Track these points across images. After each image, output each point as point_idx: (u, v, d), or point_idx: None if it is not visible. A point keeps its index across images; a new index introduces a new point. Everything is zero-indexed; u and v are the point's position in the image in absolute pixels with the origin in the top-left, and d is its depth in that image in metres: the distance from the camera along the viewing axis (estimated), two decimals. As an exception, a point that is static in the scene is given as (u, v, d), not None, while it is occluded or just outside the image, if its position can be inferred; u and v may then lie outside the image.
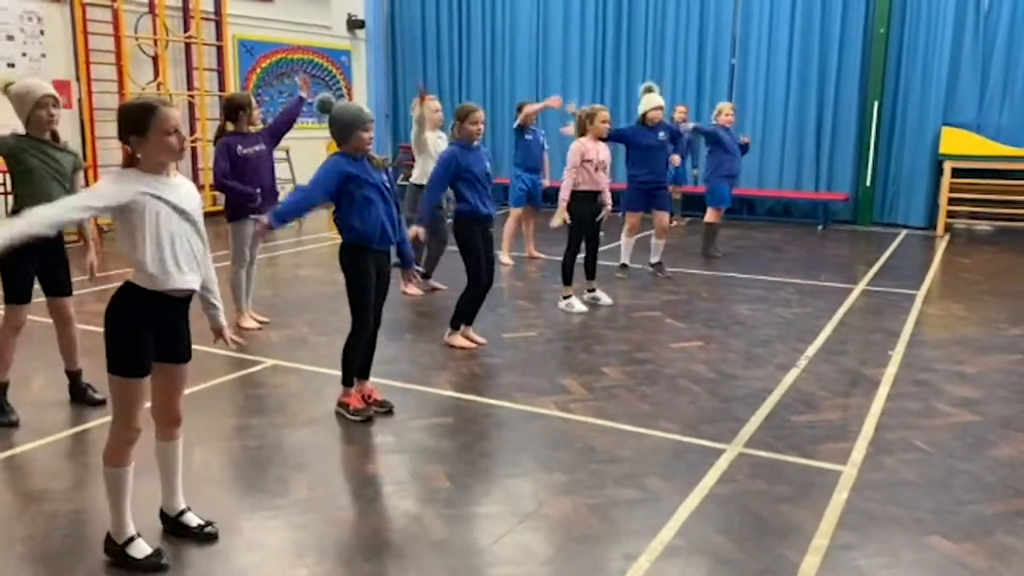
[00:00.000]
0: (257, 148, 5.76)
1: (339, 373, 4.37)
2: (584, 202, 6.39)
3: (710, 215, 8.95)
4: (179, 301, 2.83)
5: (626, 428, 4.15)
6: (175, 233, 2.74)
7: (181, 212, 2.75)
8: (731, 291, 7.32)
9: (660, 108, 7.57)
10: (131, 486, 2.85)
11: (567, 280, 6.56)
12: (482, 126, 5.28)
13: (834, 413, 4.39)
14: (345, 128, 4.08)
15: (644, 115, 7.55)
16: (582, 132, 6.51)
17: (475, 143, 5.29)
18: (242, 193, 5.61)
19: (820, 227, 11.40)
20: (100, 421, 4.12)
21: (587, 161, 6.36)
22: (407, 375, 4.93)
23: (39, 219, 2.53)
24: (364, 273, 4.14)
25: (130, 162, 2.74)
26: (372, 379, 4.47)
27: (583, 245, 6.55)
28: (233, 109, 5.69)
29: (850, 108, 11.50)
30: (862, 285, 7.62)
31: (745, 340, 5.76)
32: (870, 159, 11.50)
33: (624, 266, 7.94)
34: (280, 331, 5.82)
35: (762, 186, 12.12)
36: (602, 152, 6.49)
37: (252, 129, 5.83)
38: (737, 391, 4.72)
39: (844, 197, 11.59)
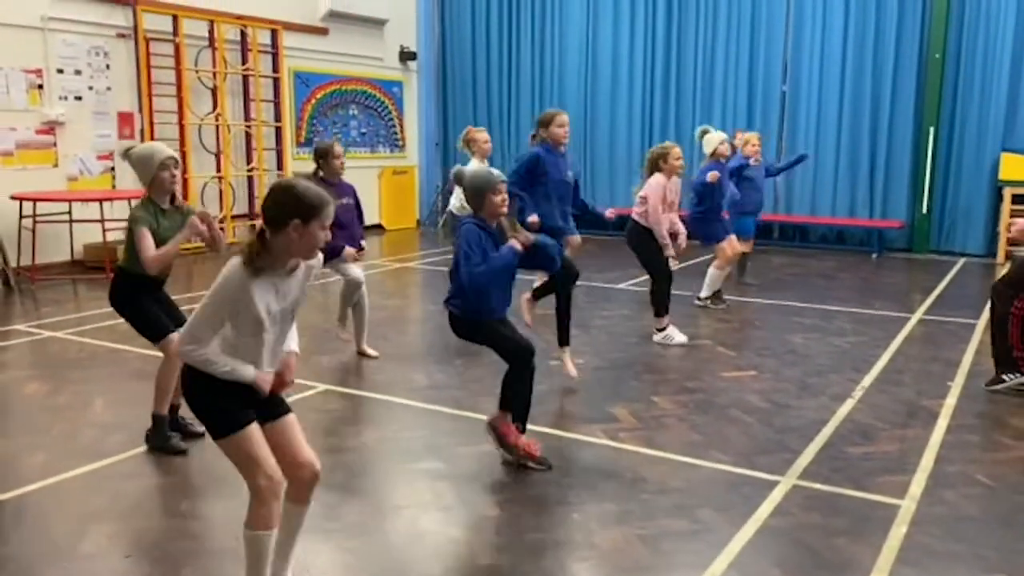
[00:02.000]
0: (344, 201, 5.71)
1: (387, 398, 4.40)
2: (647, 233, 6.30)
3: (741, 246, 8.79)
4: None
5: (677, 458, 4.10)
6: None
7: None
8: (784, 320, 7.22)
9: (726, 142, 7.63)
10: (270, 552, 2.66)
11: (661, 311, 6.42)
12: (568, 129, 5.26)
13: (891, 445, 4.28)
14: (477, 193, 3.84)
15: (714, 152, 7.53)
16: (654, 170, 6.38)
17: (561, 148, 5.23)
18: (332, 250, 5.62)
19: (875, 255, 11.20)
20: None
21: (664, 200, 6.28)
22: (456, 401, 4.95)
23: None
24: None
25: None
26: (432, 406, 4.49)
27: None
28: (318, 155, 5.77)
29: (905, 134, 11.32)
30: (919, 314, 7.46)
31: (799, 370, 5.67)
32: (926, 186, 11.28)
33: (717, 297, 7.74)
34: (333, 356, 5.89)
35: (815, 213, 11.97)
36: (673, 191, 6.41)
37: (337, 179, 5.74)
38: (791, 422, 4.64)
39: (899, 224, 11.37)
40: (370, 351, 5.98)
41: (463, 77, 14.45)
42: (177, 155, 4.18)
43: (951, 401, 4.98)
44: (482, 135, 7.14)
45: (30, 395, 5.08)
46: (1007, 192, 10.50)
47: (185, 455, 4.10)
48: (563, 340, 5.47)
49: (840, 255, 11.30)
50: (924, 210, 11.34)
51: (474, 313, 3.88)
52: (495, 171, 3.94)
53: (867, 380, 5.41)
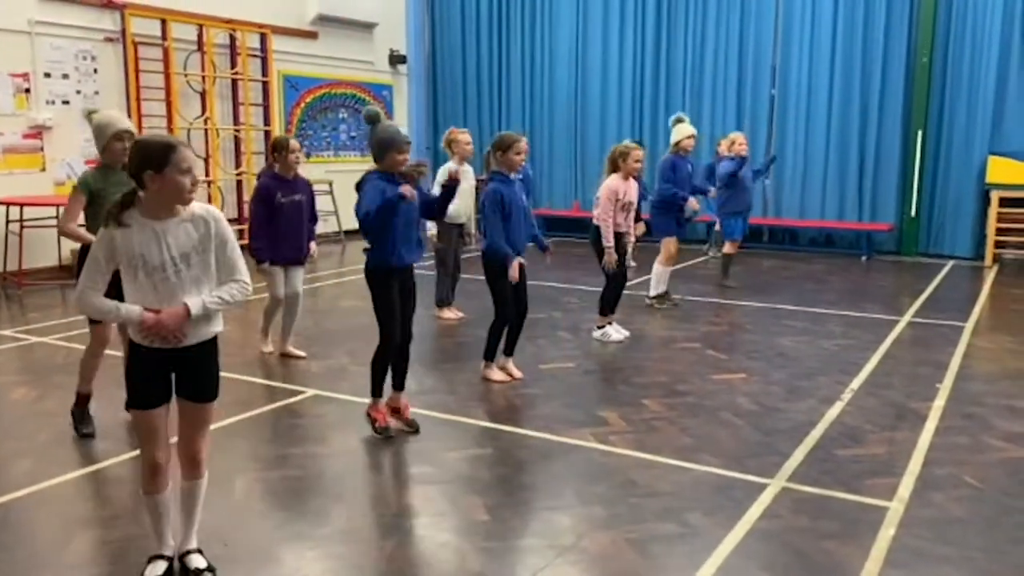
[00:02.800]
0: (296, 197, 5.72)
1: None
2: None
3: (727, 247, 8.92)
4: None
5: (667, 461, 4.10)
6: None
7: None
8: (774, 322, 7.24)
9: (693, 136, 7.62)
10: (165, 513, 2.96)
11: (604, 310, 6.56)
12: (525, 156, 5.26)
13: (880, 447, 4.29)
14: (382, 147, 4.25)
15: (678, 143, 7.58)
16: (613, 169, 6.45)
17: (514, 175, 5.29)
18: (260, 255, 5.68)
19: (864, 258, 11.24)
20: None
21: (616, 201, 6.34)
22: (445, 405, 4.94)
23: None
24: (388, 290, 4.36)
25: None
26: (420, 411, 4.49)
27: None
28: (273, 149, 5.80)
29: (893, 137, 11.37)
30: (908, 317, 7.49)
31: (788, 372, 5.68)
32: (914, 189, 11.34)
33: (664, 296, 7.85)
34: (321, 361, 5.87)
35: (804, 216, 12.01)
36: (631, 192, 6.46)
37: (292, 174, 5.72)
38: (780, 424, 4.65)
39: (888, 227, 11.42)
40: (296, 351, 6.01)
41: (453, 80, 14.45)
42: (135, 129, 4.33)
43: (939, 403, 5.00)
44: (464, 136, 7.08)
45: (17, 401, 5.04)
46: (994, 195, 10.56)
47: (89, 438, 4.32)
48: (509, 351, 5.53)
49: (829, 258, 11.34)
50: (913, 213, 11.39)
51: (380, 261, 4.29)
52: (402, 130, 4.29)
53: (856, 383, 5.43)
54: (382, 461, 4.17)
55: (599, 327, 6.61)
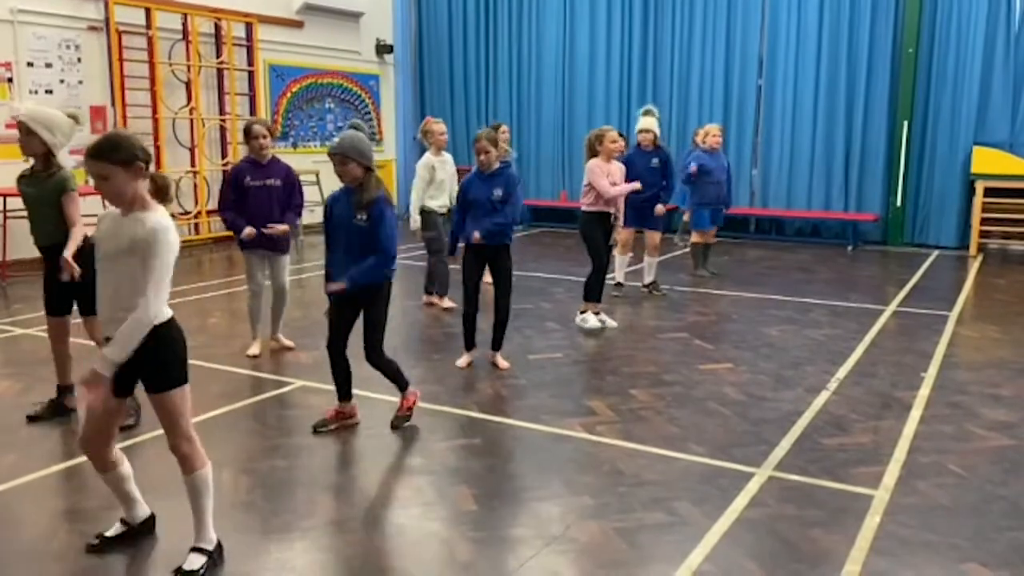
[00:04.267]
0: (268, 181, 5.63)
1: (365, 394, 4.38)
2: (596, 222, 6.45)
3: (694, 237, 9.01)
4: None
5: (654, 451, 4.12)
6: None
7: None
8: (760, 312, 7.26)
9: (643, 131, 7.75)
10: (117, 488, 3.15)
11: (588, 297, 6.61)
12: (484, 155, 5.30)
13: (866, 436, 4.32)
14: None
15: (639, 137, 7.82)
16: (593, 154, 6.52)
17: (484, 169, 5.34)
18: (232, 227, 5.67)
19: (850, 248, 11.29)
20: (131, 442, 4.17)
21: (607, 175, 6.41)
22: (434, 396, 4.94)
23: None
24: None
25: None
26: (396, 399, 4.50)
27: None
28: (244, 134, 5.78)
29: (879, 128, 11.42)
30: (893, 306, 7.53)
31: (775, 362, 5.71)
32: (900, 179, 11.40)
33: (619, 284, 7.94)
34: (309, 352, 5.86)
35: (791, 206, 12.05)
36: (614, 173, 6.51)
37: (265, 157, 5.64)
38: (767, 414, 4.67)
39: (874, 218, 11.48)
40: (285, 341, 6.02)
41: (440, 70, 14.40)
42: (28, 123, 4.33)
43: (924, 392, 5.04)
44: (439, 127, 7.11)
45: (1, 394, 5.00)
46: (979, 185, 10.62)
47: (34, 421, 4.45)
48: (496, 346, 5.61)
49: (815, 248, 11.39)
50: (898, 203, 11.45)
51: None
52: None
53: (842, 372, 5.46)
54: (370, 452, 4.16)
55: (581, 312, 6.70)
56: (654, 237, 7.90)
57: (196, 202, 11.07)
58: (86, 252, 4.01)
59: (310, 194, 11.94)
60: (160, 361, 2.87)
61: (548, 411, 4.70)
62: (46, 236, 4.39)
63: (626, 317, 7.06)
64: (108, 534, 3.15)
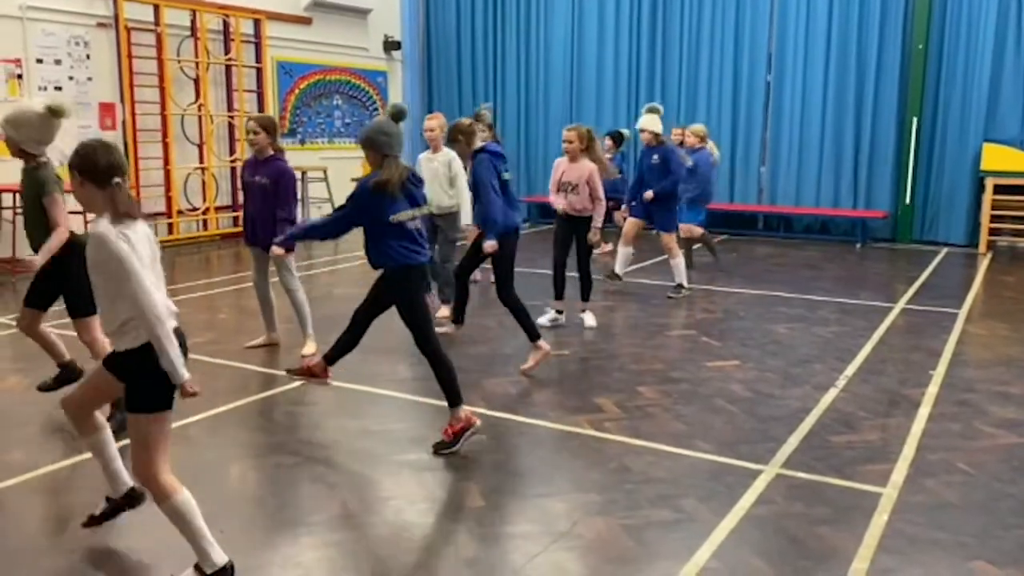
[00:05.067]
0: (258, 179, 5.51)
1: (372, 390, 4.38)
2: (560, 222, 6.45)
3: (682, 231, 8.93)
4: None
5: (661, 448, 4.11)
6: None
7: None
8: (768, 310, 7.25)
9: (641, 131, 7.74)
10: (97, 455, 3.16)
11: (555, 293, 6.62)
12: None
13: (874, 434, 4.31)
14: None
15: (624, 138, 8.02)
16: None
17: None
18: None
19: (859, 245, 11.25)
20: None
21: (555, 180, 6.39)
22: (439, 392, 4.92)
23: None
24: None
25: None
26: (415, 397, 4.49)
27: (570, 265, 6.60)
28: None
29: (888, 125, 11.37)
30: (902, 304, 7.50)
31: (782, 359, 5.70)
32: (909, 176, 11.35)
33: (614, 275, 7.99)
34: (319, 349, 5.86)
35: (799, 203, 12.00)
36: (571, 173, 6.29)
37: (262, 154, 5.54)
38: (775, 411, 4.66)
39: (883, 215, 11.43)
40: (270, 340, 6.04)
41: (448, 66, 14.39)
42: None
43: (933, 390, 5.02)
44: (425, 123, 6.87)
45: (9, 389, 5.03)
46: (989, 182, 10.57)
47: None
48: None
49: (824, 245, 11.36)
50: (907, 200, 11.40)
51: None
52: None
53: (850, 370, 5.44)
54: (377, 448, 4.17)
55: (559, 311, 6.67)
56: (664, 239, 7.80)
57: (204, 198, 11.10)
58: (77, 252, 3.99)
59: (317, 190, 12.04)
60: (133, 382, 2.77)
61: (555, 408, 4.70)
62: (32, 237, 4.33)
63: (633, 314, 7.05)
64: (96, 513, 3.20)
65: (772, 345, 6.06)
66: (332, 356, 4.38)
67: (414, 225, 4.05)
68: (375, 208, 3.94)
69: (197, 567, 2.83)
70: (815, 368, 5.48)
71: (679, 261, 7.78)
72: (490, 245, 5.29)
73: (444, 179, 6.65)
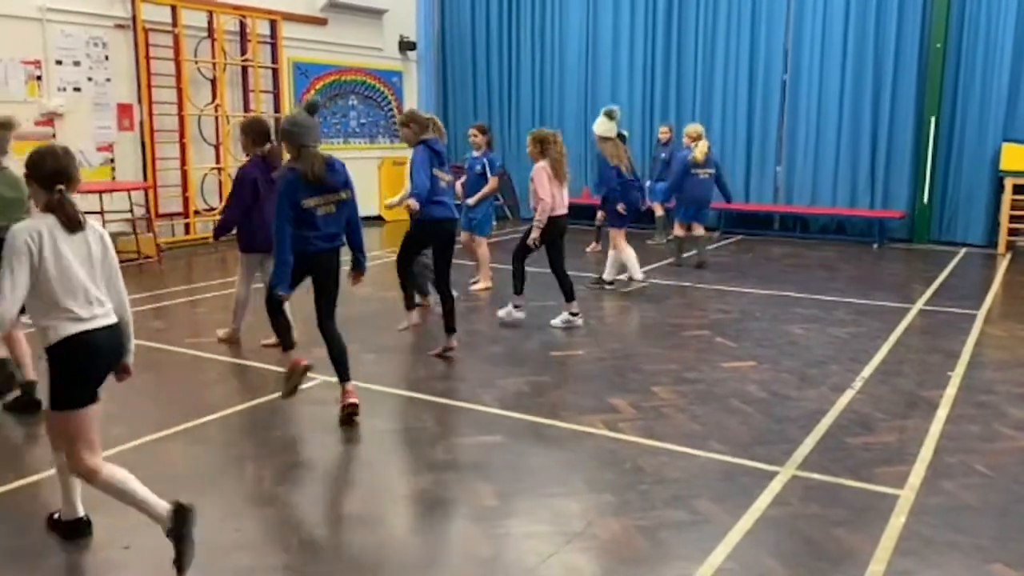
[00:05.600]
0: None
1: (389, 390, 4.39)
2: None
3: (676, 230, 9.35)
4: None
5: (676, 449, 4.10)
6: None
7: None
8: (784, 310, 7.21)
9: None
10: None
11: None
12: None
13: (891, 435, 4.28)
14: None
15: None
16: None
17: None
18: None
19: (875, 245, 11.18)
20: (163, 433, 4.22)
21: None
22: (455, 392, 4.96)
23: None
24: None
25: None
26: (432, 398, 4.50)
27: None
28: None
29: (906, 124, 11.29)
30: (919, 304, 7.45)
31: (799, 360, 5.67)
32: (927, 176, 11.26)
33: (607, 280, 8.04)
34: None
35: (815, 203, 11.94)
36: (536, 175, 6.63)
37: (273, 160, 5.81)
38: (790, 412, 4.64)
39: (900, 215, 11.35)
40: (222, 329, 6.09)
41: (463, 66, 14.41)
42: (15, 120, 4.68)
43: (951, 391, 4.98)
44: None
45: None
46: (1008, 182, 10.47)
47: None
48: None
49: (840, 245, 11.29)
50: (925, 200, 11.32)
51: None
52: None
53: (867, 371, 5.41)
54: (392, 447, 4.18)
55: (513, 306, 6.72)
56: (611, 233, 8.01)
57: (221, 198, 11.16)
58: None
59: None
60: (49, 379, 2.90)
61: (569, 408, 4.70)
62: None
63: (648, 315, 7.04)
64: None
65: (788, 346, 6.04)
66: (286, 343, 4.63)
67: (325, 211, 4.30)
68: (294, 195, 4.20)
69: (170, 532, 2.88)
70: (831, 369, 5.46)
71: (615, 256, 7.89)
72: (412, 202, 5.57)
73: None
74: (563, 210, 6.56)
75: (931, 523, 3.32)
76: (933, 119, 11.05)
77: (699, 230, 9.32)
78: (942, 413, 4.61)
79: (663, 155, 10.70)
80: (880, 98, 11.36)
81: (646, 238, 10.87)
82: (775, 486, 3.66)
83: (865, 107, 11.45)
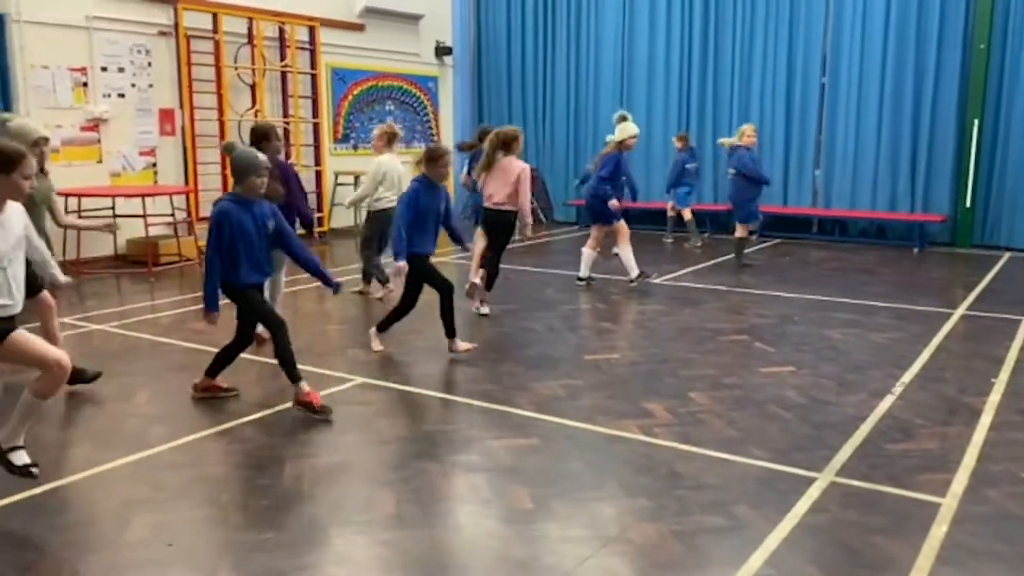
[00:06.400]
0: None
1: (422, 392, 4.42)
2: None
3: (739, 231, 9.38)
4: None
5: (713, 454, 4.08)
6: None
7: None
8: (823, 315, 7.13)
9: (636, 136, 8.24)
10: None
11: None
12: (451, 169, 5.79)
13: (932, 442, 4.21)
14: (243, 171, 4.55)
15: (622, 142, 8.10)
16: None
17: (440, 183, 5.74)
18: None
19: (916, 249, 11.00)
20: (203, 433, 4.29)
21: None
22: (489, 395, 4.97)
23: None
24: None
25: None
26: (466, 400, 4.52)
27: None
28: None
29: (948, 127, 11.10)
30: (961, 310, 7.32)
31: (838, 365, 5.60)
32: (970, 179, 11.06)
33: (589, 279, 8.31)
34: (368, 350, 5.94)
35: (855, 207, 11.79)
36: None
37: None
38: (830, 418, 4.59)
39: (942, 218, 11.16)
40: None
41: (498, 71, 14.46)
42: (48, 134, 5.15)
43: (995, 398, 4.89)
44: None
45: (74, 387, 5.18)
46: (1054, 185, 10.26)
47: None
48: (450, 333, 5.79)
49: (880, 249, 11.13)
50: (967, 204, 11.11)
51: (226, 279, 4.59)
52: (261, 155, 4.61)
53: (907, 376, 5.33)
54: (427, 449, 4.21)
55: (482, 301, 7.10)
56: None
57: (260, 202, 11.31)
58: None
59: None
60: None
61: (604, 412, 4.69)
62: None
63: (684, 319, 7.00)
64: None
65: (827, 351, 5.96)
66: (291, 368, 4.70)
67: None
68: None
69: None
70: (871, 375, 5.38)
71: (589, 254, 8.28)
72: None
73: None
74: (490, 203, 7.03)
75: (974, 532, 3.26)
76: (976, 121, 10.86)
77: (743, 231, 9.40)
78: (986, 420, 4.52)
79: (688, 165, 11.04)
80: (921, 100, 11.19)
81: (662, 238, 11.38)
82: (813, 492, 3.62)
83: (906, 110, 11.28)
